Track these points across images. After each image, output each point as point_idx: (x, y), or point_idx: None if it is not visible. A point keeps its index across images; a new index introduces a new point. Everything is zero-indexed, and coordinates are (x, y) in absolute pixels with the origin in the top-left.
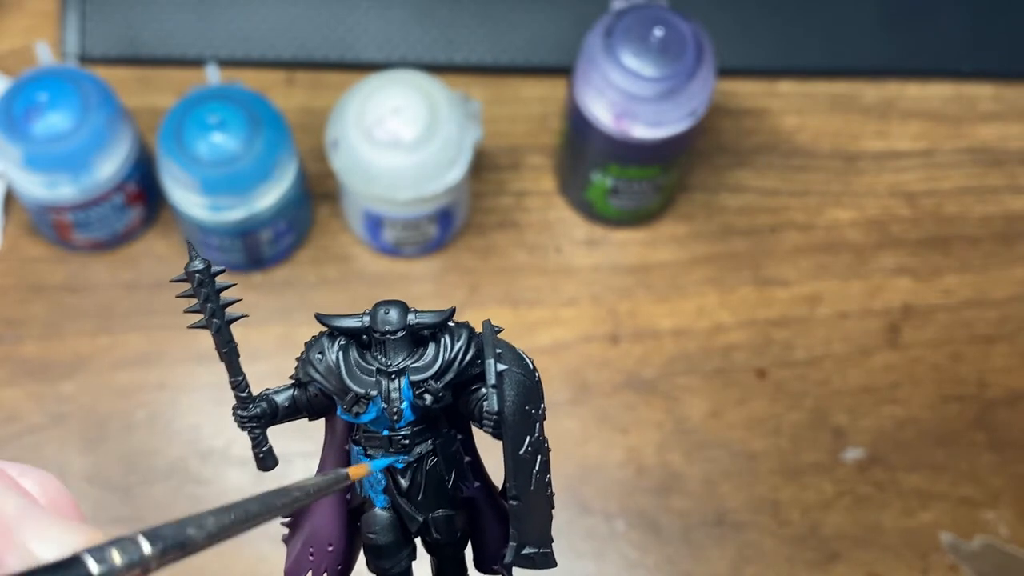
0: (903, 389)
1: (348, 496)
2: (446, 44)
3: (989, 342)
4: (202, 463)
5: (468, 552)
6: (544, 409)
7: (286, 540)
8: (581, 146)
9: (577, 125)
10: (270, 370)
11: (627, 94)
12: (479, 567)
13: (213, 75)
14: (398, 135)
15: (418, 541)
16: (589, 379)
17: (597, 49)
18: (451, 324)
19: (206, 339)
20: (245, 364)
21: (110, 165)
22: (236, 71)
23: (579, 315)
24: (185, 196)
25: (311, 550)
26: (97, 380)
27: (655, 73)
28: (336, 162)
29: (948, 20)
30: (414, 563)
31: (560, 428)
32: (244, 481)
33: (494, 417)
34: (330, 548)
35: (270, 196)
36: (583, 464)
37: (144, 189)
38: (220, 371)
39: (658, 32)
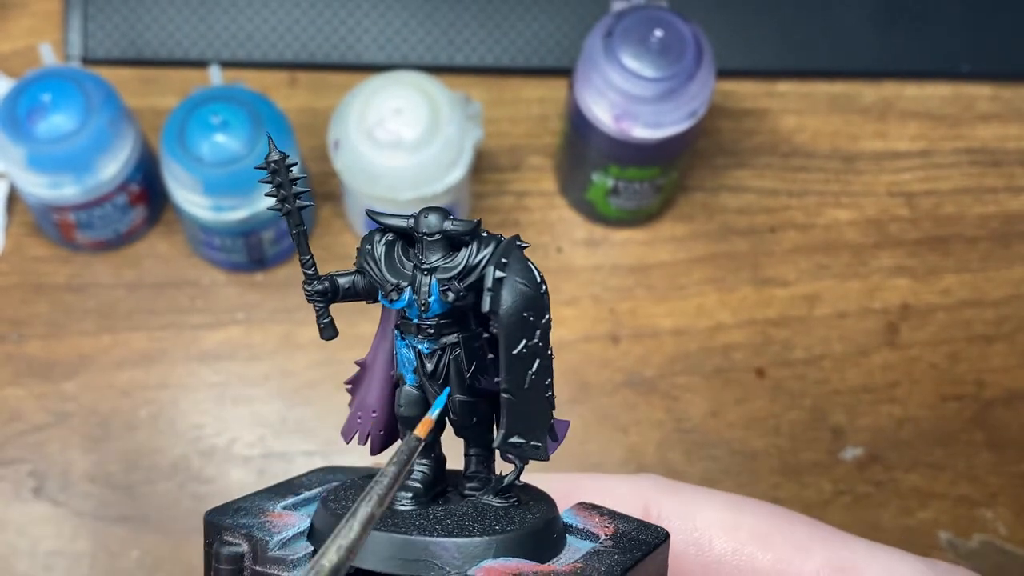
0: (902, 388)
1: (392, 373)
2: (447, 45)
3: (987, 342)
4: (204, 462)
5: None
6: (548, 320)
7: (350, 405)
8: (581, 147)
9: (577, 126)
10: (272, 369)
11: (627, 95)
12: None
13: (216, 76)
14: (399, 136)
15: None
16: (589, 378)
17: (597, 50)
18: (484, 234)
19: (208, 339)
20: (246, 364)
21: (113, 165)
22: (238, 72)
23: (579, 315)
24: (187, 196)
25: (359, 415)
26: (100, 379)
27: (655, 74)
28: (338, 162)
29: (946, 21)
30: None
31: None
32: (247, 479)
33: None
34: (374, 414)
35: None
36: (583, 463)
37: (147, 189)
38: (221, 370)
39: (658, 33)
